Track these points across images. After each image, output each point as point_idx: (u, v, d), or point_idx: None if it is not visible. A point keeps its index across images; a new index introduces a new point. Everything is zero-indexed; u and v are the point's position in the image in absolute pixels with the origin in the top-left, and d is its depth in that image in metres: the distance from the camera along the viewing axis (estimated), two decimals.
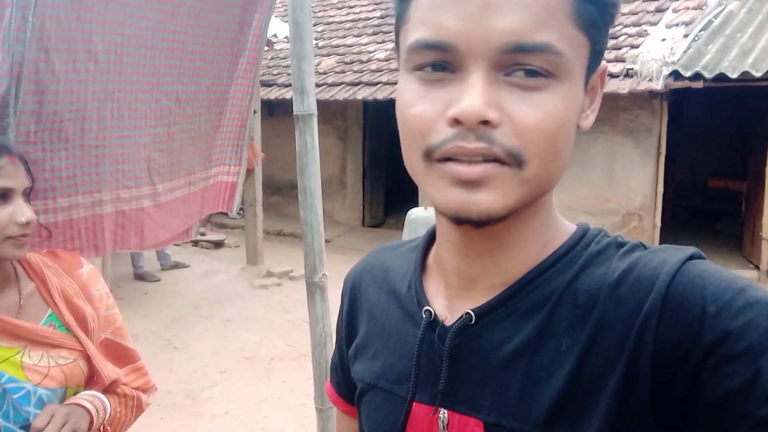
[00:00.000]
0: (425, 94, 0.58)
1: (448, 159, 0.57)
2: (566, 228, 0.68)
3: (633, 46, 6.59)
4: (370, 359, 0.76)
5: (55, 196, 1.51)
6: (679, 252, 0.60)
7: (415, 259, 0.75)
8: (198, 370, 4.49)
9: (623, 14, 7.50)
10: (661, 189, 6.71)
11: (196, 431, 3.67)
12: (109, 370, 1.33)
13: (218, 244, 8.11)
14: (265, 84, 8.20)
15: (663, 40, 6.56)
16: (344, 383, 0.87)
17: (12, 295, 1.26)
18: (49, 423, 1.16)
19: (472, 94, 0.54)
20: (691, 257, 0.59)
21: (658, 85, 5.91)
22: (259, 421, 3.79)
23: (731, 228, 8.11)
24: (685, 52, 6.18)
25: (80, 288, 1.35)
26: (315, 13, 10.53)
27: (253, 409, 3.94)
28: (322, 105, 8.40)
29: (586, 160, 6.91)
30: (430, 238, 0.76)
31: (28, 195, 1.24)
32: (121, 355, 1.42)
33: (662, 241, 6.82)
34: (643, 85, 5.99)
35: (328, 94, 7.73)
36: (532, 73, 0.55)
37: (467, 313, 0.65)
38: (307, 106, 2.01)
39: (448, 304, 0.69)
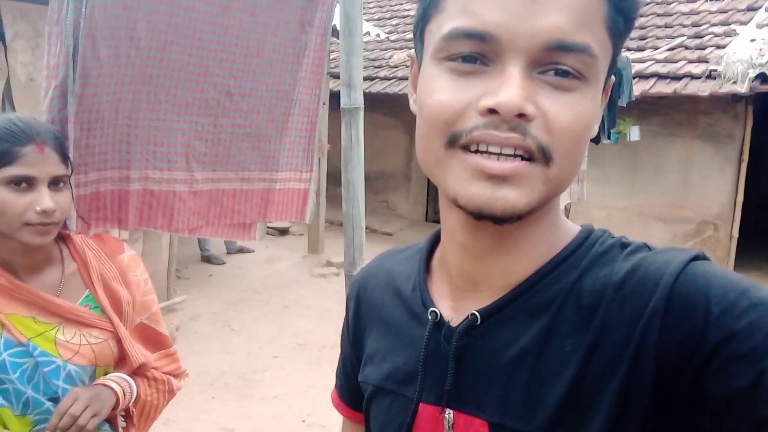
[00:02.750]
0: (456, 83, 0.58)
1: (474, 150, 0.57)
2: (570, 229, 0.68)
3: (719, 47, 6.24)
4: (378, 362, 0.76)
5: (86, 171, 1.57)
6: (682, 253, 0.59)
7: (419, 261, 0.75)
8: (252, 353, 4.61)
9: (711, 12, 7.12)
10: (741, 198, 6.35)
11: (245, 413, 3.78)
12: (138, 353, 1.38)
13: (283, 232, 8.30)
14: (335, 76, 8.28)
15: (752, 40, 6.17)
16: (347, 388, 0.88)
17: (55, 274, 1.33)
18: (72, 406, 1.21)
19: (512, 86, 0.54)
20: (695, 258, 0.58)
21: (742, 88, 5.58)
22: (305, 407, 3.86)
23: None
24: None
25: (119, 272, 1.40)
26: (391, 6, 10.56)
27: (300, 395, 4.02)
28: (390, 98, 8.43)
29: (660, 164, 6.62)
30: (434, 240, 0.77)
31: (59, 183, 1.25)
32: (155, 340, 1.47)
33: (740, 253, 6.46)
34: (726, 88, 5.66)
35: (397, 88, 7.74)
36: (565, 73, 0.56)
37: (473, 314, 0.65)
38: (353, 100, 2.02)
39: (453, 305, 0.69)
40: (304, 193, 2.15)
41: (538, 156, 0.56)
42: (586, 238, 0.65)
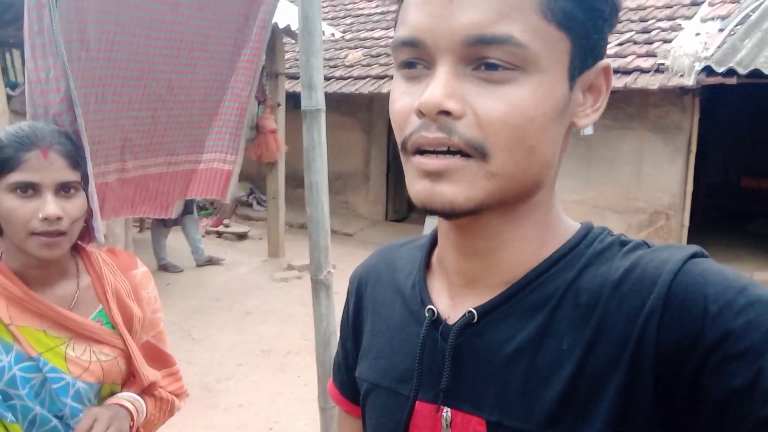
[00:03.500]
0: (406, 90, 0.61)
1: (418, 152, 0.59)
2: (569, 227, 0.68)
3: (666, 41, 6.41)
4: (374, 359, 0.76)
5: None
6: (681, 250, 0.59)
7: (420, 258, 0.76)
8: (215, 362, 4.51)
9: (657, 8, 7.31)
10: (690, 188, 6.53)
11: (209, 424, 3.69)
12: (149, 371, 1.35)
13: (242, 236, 8.17)
14: (292, 77, 8.20)
15: (697, 34, 6.36)
16: (348, 382, 0.87)
17: (69, 287, 1.28)
18: (92, 427, 1.17)
19: (434, 86, 0.57)
20: (694, 255, 0.58)
21: (689, 81, 5.73)
22: (272, 414, 3.80)
23: (764, 229, 7.86)
24: (719, 47, 5.98)
25: (132, 288, 1.36)
26: (345, 5, 10.51)
27: (266, 402, 3.95)
28: (347, 98, 8.39)
29: (613, 157, 6.76)
30: (435, 237, 0.76)
31: (69, 190, 1.20)
32: (159, 358, 1.43)
33: (690, 241, 6.66)
34: (674, 81, 5.81)
35: (353, 87, 7.70)
36: (494, 66, 0.56)
37: (469, 312, 0.65)
38: (314, 101, 1.99)
39: (451, 302, 0.69)
40: (227, 174, 2.16)
41: (471, 152, 0.57)
42: (584, 235, 0.66)
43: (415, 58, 0.59)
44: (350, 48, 8.77)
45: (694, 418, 0.54)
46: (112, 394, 1.31)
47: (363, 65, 8.16)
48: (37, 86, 1.36)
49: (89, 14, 1.48)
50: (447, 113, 0.56)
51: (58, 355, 1.21)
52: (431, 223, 4.20)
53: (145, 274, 1.42)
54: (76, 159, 1.23)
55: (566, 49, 0.59)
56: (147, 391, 1.35)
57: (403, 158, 0.62)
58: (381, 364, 0.75)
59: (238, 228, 8.35)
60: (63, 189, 1.19)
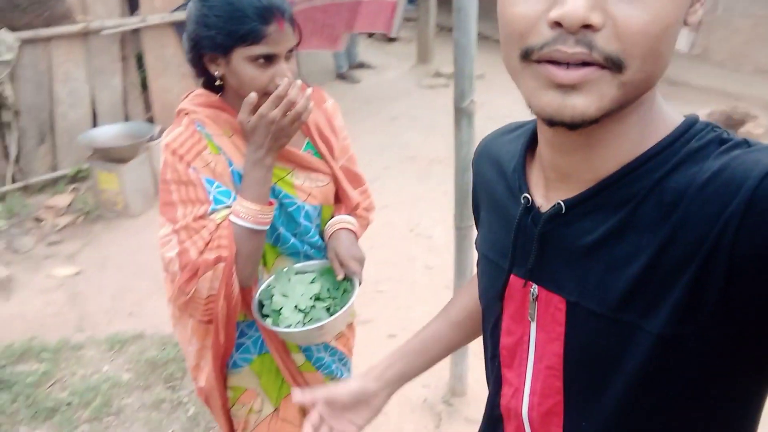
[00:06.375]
0: None
1: (546, 61, 0.57)
2: (669, 122, 0.66)
3: None
4: (485, 232, 0.88)
5: None
6: None
7: (522, 145, 0.79)
8: (363, 163, 4.72)
9: None
10: None
11: None
12: (353, 192, 1.55)
13: (391, 38, 8.10)
14: None
15: None
16: None
17: None
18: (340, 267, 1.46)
19: None
20: None
21: None
22: (413, 218, 4.11)
23: None
24: None
25: (326, 120, 1.52)
26: None
27: (409, 205, 4.25)
28: None
29: None
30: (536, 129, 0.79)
31: (291, 52, 1.33)
32: (353, 179, 1.61)
33: None
34: None
35: None
36: None
37: (558, 204, 0.70)
38: None
39: (545, 194, 0.74)
40: (393, 6, 2.10)
41: (608, 65, 0.55)
42: (683, 132, 0.64)
43: None
44: None
45: (762, 328, 0.56)
46: (330, 214, 1.53)
47: None
48: None
49: None
50: (588, 26, 0.54)
51: (287, 183, 1.42)
52: None
53: (334, 105, 1.56)
54: (295, 22, 1.33)
55: None
56: (352, 211, 1.57)
57: (520, 66, 0.60)
58: (489, 238, 0.85)
59: None
60: (289, 52, 1.32)
